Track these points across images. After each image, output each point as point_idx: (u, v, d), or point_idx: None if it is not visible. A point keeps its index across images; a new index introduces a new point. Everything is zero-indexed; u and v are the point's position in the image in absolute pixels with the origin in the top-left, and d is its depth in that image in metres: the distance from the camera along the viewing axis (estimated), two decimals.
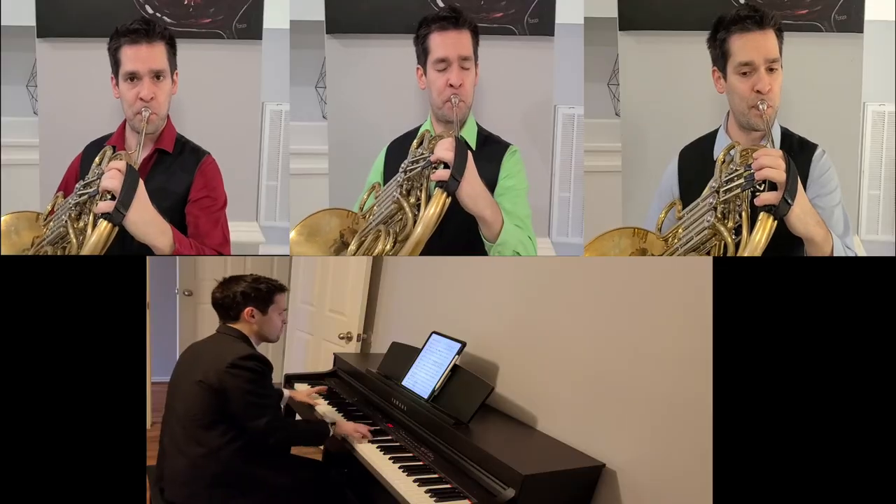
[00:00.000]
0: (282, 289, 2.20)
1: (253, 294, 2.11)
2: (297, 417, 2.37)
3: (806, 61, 2.40)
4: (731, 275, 1.66)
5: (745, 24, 1.92)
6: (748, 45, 1.92)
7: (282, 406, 2.36)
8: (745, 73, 1.93)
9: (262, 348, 2.25)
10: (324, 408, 2.33)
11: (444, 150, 1.87)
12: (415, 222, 1.92)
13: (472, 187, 1.89)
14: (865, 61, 2.40)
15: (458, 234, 2.02)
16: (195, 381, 1.94)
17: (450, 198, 1.88)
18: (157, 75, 2.08)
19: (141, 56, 2.07)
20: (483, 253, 2.02)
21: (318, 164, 2.51)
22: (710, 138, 2.08)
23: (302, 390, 2.46)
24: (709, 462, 1.43)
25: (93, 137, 2.25)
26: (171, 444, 1.98)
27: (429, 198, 1.93)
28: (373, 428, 2.08)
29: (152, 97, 2.07)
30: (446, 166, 1.86)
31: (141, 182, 1.91)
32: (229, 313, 2.12)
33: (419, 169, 1.95)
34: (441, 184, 1.87)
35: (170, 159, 2.16)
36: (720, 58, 1.97)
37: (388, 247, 1.95)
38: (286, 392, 2.38)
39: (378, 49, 2.47)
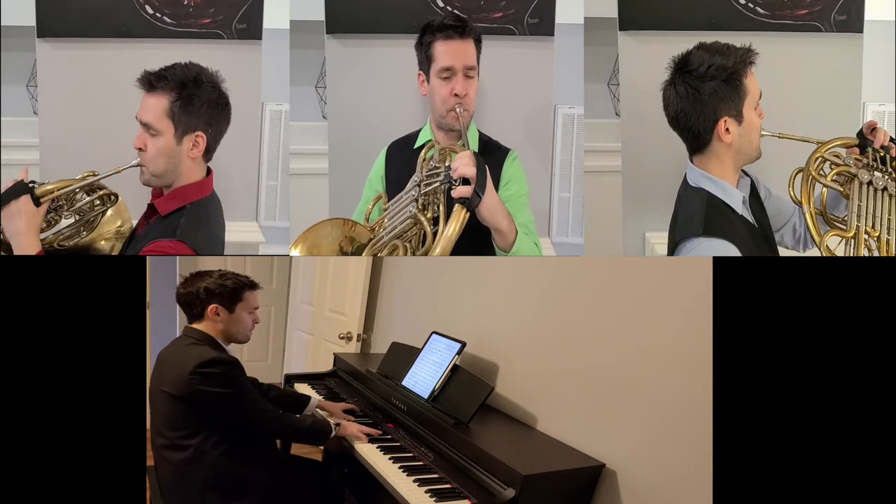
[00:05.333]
0: (252, 286, 2.11)
1: (217, 290, 2.03)
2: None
3: (806, 61, 2.40)
4: (731, 275, 1.65)
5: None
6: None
7: (308, 412, 2.30)
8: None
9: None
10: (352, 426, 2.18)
11: (467, 165, 1.80)
12: (434, 238, 1.88)
13: (490, 201, 1.85)
14: (865, 61, 2.40)
15: (466, 243, 2.01)
16: (161, 391, 1.92)
17: (469, 213, 1.82)
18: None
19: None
20: (490, 254, 2.01)
21: (318, 164, 2.51)
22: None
23: (336, 404, 2.32)
24: (709, 462, 1.43)
25: (93, 138, 2.25)
26: (157, 454, 1.96)
27: (447, 212, 1.88)
28: (378, 434, 2.06)
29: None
30: (465, 182, 1.81)
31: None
32: (193, 311, 2.04)
33: (437, 185, 1.92)
34: (462, 200, 1.81)
35: None
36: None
37: None
38: (316, 399, 2.32)
39: (378, 49, 2.47)
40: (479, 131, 2.17)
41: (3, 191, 1.88)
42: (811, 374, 1.67)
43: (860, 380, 1.67)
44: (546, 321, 1.98)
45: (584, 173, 2.52)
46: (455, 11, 2.39)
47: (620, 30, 2.43)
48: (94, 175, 1.95)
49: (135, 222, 2.08)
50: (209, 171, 2.00)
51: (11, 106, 2.49)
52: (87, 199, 1.99)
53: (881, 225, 1.84)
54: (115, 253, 2.07)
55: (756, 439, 1.66)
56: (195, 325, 2.06)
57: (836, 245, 1.84)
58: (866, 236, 1.83)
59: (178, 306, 2.14)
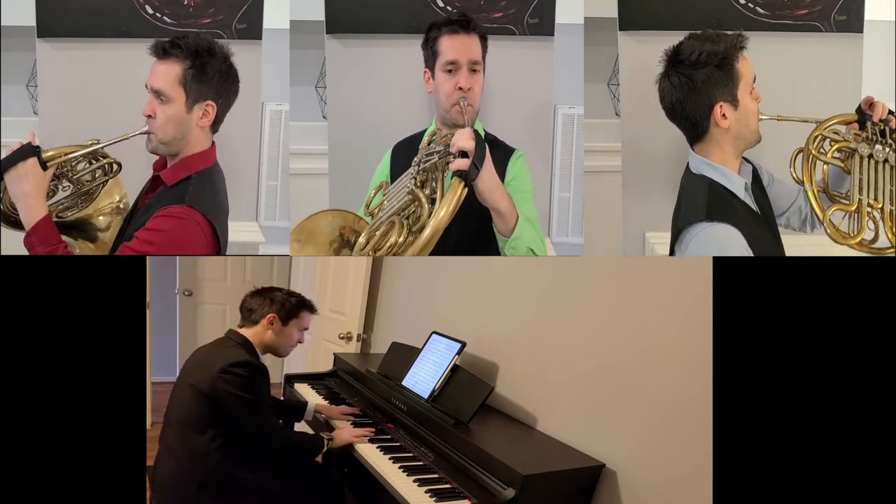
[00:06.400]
0: (311, 308, 2.24)
1: (281, 302, 2.15)
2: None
3: (806, 61, 2.40)
4: (731, 275, 1.66)
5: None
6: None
7: (308, 418, 2.36)
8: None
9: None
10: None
11: (465, 139, 1.80)
12: (430, 213, 1.85)
13: (490, 178, 1.84)
14: (865, 61, 2.41)
15: (467, 239, 2.01)
16: (187, 385, 1.96)
17: (467, 188, 1.81)
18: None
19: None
20: (490, 254, 2.01)
21: (318, 164, 2.51)
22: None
23: (334, 408, 2.37)
24: (709, 462, 1.43)
25: (93, 137, 2.24)
26: (164, 448, 1.99)
27: (444, 189, 1.87)
28: (373, 434, 2.06)
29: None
30: (464, 156, 1.80)
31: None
32: (251, 316, 2.14)
33: (435, 160, 1.90)
34: (460, 173, 1.80)
35: None
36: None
37: (401, 238, 1.86)
38: (313, 403, 2.37)
39: (378, 49, 2.47)
40: (485, 130, 2.17)
41: (9, 153, 1.87)
42: (811, 373, 1.68)
43: (860, 379, 1.67)
44: (546, 321, 1.98)
45: (584, 173, 2.52)
46: (455, 11, 2.39)
47: (620, 30, 2.43)
48: (99, 142, 1.96)
49: (130, 199, 2.09)
50: (213, 143, 2.01)
51: (11, 106, 2.50)
52: (90, 167, 1.99)
53: (884, 196, 1.84)
54: (114, 228, 2.07)
55: (756, 439, 1.66)
56: (242, 330, 2.14)
57: (840, 220, 1.85)
58: (869, 209, 1.84)
59: (177, 306, 2.15)
